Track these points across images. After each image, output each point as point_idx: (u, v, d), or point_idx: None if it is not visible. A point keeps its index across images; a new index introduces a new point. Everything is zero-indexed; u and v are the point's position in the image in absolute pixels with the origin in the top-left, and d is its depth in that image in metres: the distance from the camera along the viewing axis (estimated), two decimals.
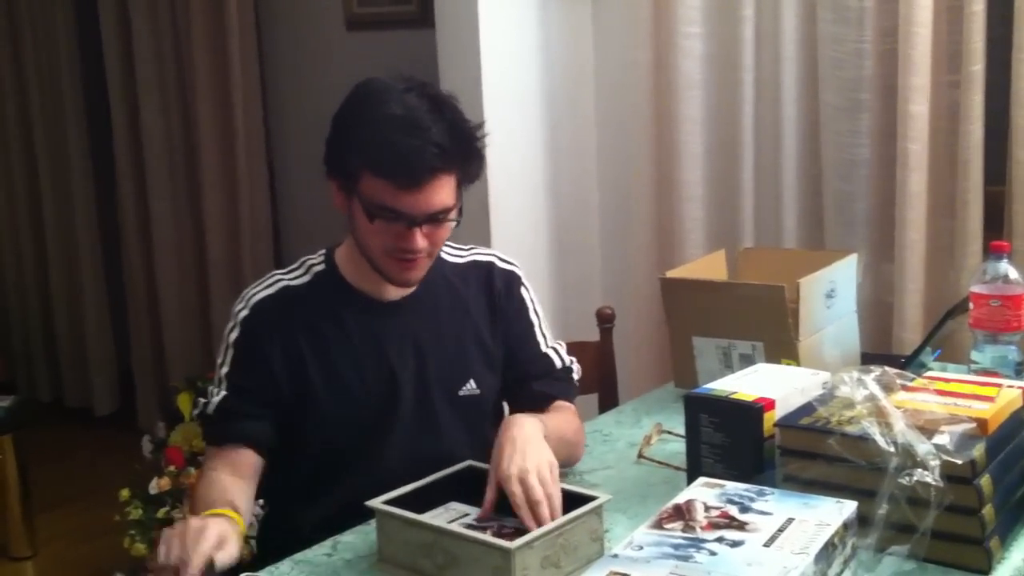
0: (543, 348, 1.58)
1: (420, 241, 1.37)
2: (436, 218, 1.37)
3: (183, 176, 3.61)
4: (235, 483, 1.38)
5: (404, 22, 3.06)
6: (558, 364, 1.58)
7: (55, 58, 3.86)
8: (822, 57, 2.22)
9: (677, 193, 2.43)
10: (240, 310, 1.45)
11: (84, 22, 3.83)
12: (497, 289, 1.55)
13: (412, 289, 1.48)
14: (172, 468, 2.60)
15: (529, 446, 1.29)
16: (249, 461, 1.41)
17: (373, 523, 1.29)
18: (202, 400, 1.46)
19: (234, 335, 1.44)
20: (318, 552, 1.31)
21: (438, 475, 1.33)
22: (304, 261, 1.50)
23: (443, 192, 1.36)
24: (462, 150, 1.37)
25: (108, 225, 3.93)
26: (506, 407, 1.60)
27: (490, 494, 1.27)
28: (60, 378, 4.13)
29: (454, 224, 1.41)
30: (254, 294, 1.46)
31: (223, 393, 1.42)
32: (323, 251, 1.51)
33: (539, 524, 1.20)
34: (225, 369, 1.44)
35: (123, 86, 3.65)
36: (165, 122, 3.60)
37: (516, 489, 1.23)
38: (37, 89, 3.93)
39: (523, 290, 1.58)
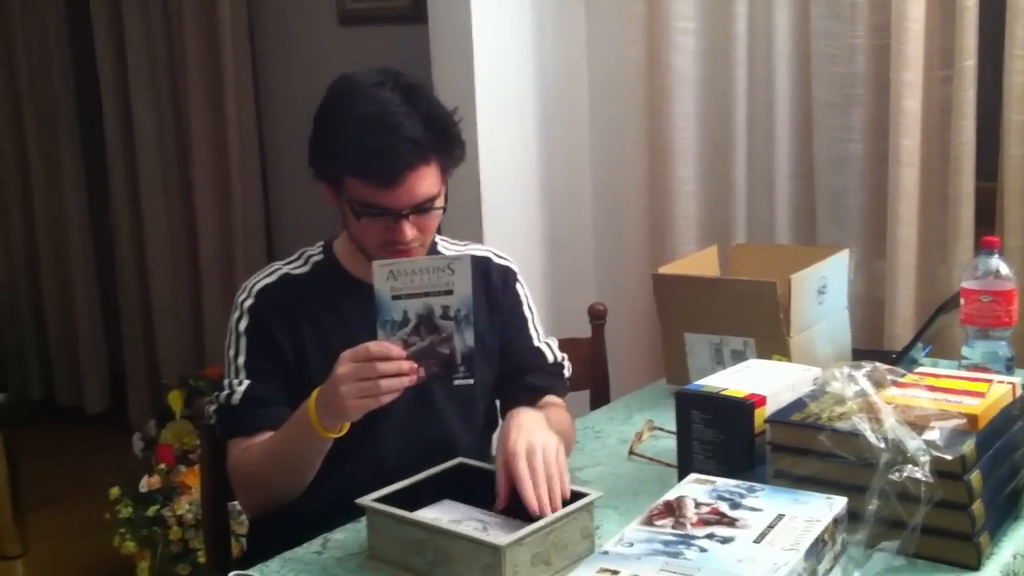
0: (536, 342, 1.60)
1: (409, 232, 1.38)
2: (422, 208, 1.38)
3: (175, 174, 3.60)
4: None
5: (397, 18, 3.05)
6: (550, 359, 1.60)
7: (47, 55, 3.84)
8: (815, 53, 2.22)
9: (670, 189, 2.42)
10: (245, 299, 1.46)
11: (76, 19, 3.82)
12: (494, 283, 1.56)
13: None
14: (162, 466, 2.59)
15: (535, 430, 1.29)
16: None
17: (363, 521, 1.28)
18: (219, 394, 1.45)
19: (243, 324, 1.44)
20: (308, 550, 1.31)
21: (429, 472, 1.33)
22: (303, 252, 1.52)
23: (425, 182, 1.37)
24: (438, 139, 1.38)
25: (100, 223, 3.91)
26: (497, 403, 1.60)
27: (502, 479, 1.23)
28: (51, 376, 4.12)
29: (441, 212, 1.42)
30: (256, 283, 1.47)
31: (247, 382, 1.42)
32: (321, 243, 1.53)
33: (542, 503, 1.18)
34: (242, 358, 1.43)
35: (115, 83, 3.64)
36: (157, 119, 3.58)
37: (522, 466, 1.21)
38: (28, 87, 3.91)
39: (519, 285, 1.60)
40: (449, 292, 1.25)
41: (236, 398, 1.42)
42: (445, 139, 1.39)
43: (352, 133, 1.35)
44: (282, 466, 1.38)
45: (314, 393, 1.31)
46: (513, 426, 1.30)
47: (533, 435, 1.26)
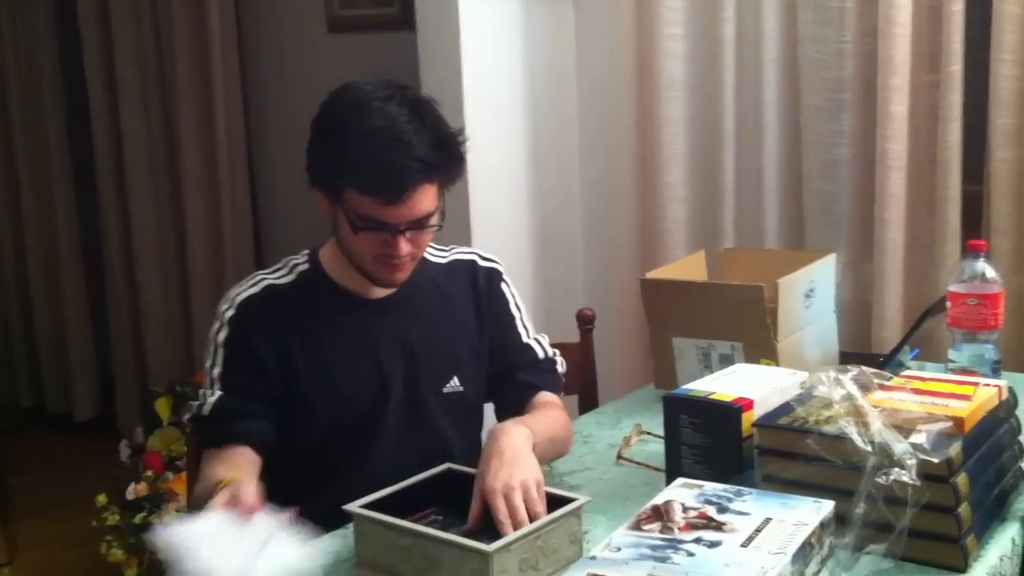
0: (525, 339, 1.59)
1: (405, 247, 1.39)
2: (420, 224, 1.39)
3: (164, 179, 3.59)
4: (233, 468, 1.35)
5: (385, 24, 3.05)
6: (541, 355, 1.59)
7: (35, 60, 3.83)
8: (803, 58, 2.22)
9: (659, 194, 2.43)
10: (226, 310, 1.44)
11: (64, 25, 3.80)
12: (480, 287, 1.56)
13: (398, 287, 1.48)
14: (150, 473, 2.59)
15: (516, 461, 1.26)
16: (247, 459, 1.39)
17: (351, 527, 1.28)
18: (194, 403, 1.44)
19: (223, 335, 1.43)
20: None
21: (417, 478, 1.33)
22: (288, 261, 1.51)
23: (426, 200, 1.37)
24: (444, 159, 1.38)
25: (89, 229, 3.90)
26: (488, 408, 1.60)
27: (475, 506, 1.23)
28: (41, 383, 4.09)
29: (437, 228, 1.42)
30: (239, 294, 1.46)
31: (218, 394, 1.41)
32: (307, 251, 1.52)
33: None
34: (217, 370, 1.43)
35: (104, 89, 3.63)
36: (146, 125, 3.57)
37: (500, 504, 1.20)
38: (17, 92, 3.89)
39: (504, 285, 1.60)
40: None
41: (206, 409, 1.42)
42: (450, 159, 1.39)
43: (360, 148, 1.34)
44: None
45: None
46: (495, 452, 1.27)
47: (514, 468, 1.24)
